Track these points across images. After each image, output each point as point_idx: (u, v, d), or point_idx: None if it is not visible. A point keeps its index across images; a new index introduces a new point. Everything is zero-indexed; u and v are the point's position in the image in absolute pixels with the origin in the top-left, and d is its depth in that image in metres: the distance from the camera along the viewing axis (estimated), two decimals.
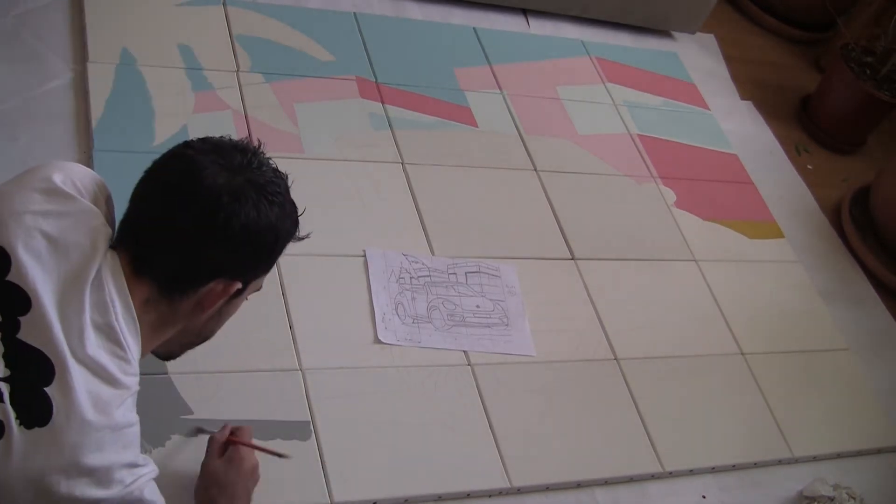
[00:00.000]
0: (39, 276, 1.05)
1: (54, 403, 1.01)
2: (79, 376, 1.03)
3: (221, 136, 1.17)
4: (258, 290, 1.25)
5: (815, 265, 2.49)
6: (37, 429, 1.00)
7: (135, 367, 1.09)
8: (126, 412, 1.07)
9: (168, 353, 1.30)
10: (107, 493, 1.03)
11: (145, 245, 1.12)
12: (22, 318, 1.04)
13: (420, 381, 1.77)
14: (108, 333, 1.07)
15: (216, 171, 1.10)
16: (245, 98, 2.12)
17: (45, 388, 1.01)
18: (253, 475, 1.42)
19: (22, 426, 1.00)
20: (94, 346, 1.05)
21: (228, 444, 1.44)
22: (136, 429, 1.09)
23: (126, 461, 1.06)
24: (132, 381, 1.08)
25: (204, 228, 1.10)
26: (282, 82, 2.20)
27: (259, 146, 1.18)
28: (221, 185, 1.09)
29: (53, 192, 1.13)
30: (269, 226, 1.13)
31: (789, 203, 2.65)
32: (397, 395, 1.74)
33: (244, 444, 1.43)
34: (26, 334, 1.03)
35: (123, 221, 1.15)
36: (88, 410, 1.02)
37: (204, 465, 1.43)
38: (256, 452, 1.45)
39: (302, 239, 1.24)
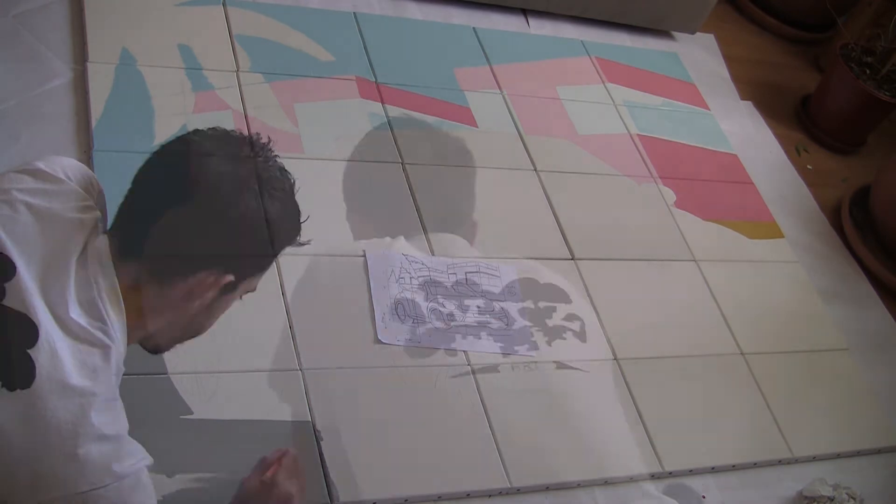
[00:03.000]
0: (24, 246, 1.06)
1: (37, 366, 1.00)
2: (62, 342, 1.03)
3: (231, 130, 1.18)
4: (252, 290, 1.25)
5: (815, 265, 2.49)
6: (19, 391, 0.99)
7: (118, 346, 1.09)
8: (108, 380, 1.06)
9: (156, 346, 1.29)
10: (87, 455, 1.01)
11: (142, 226, 1.12)
12: (7, 285, 1.04)
13: (420, 381, 1.77)
14: (90, 309, 1.06)
15: (222, 159, 1.10)
16: (245, 98, 2.12)
17: (29, 351, 1.01)
18: None
19: (4, 388, 0.99)
20: (78, 316, 1.05)
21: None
22: (118, 402, 1.07)
23: (109, 431, 1.04)
24: (115, 355, 1.07)
25: (202, 214, 1.10)
26: (282, 82, 2.19)
27: (268, 142, 1.18)
28: (224, 172, 1.10)
29: (42, 175, 1.14)
30: (266, 220, 1.14)
31: (789, 203, 2.64)
32: (397, 395, 1.74)
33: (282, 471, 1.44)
34: (11, 300, 1.03)
35: (123, 203, 1.15)
36: (73, 375, 1.02)
37: (243, 479, 1.44)
38: None
39: (302, 245, 1.25)
